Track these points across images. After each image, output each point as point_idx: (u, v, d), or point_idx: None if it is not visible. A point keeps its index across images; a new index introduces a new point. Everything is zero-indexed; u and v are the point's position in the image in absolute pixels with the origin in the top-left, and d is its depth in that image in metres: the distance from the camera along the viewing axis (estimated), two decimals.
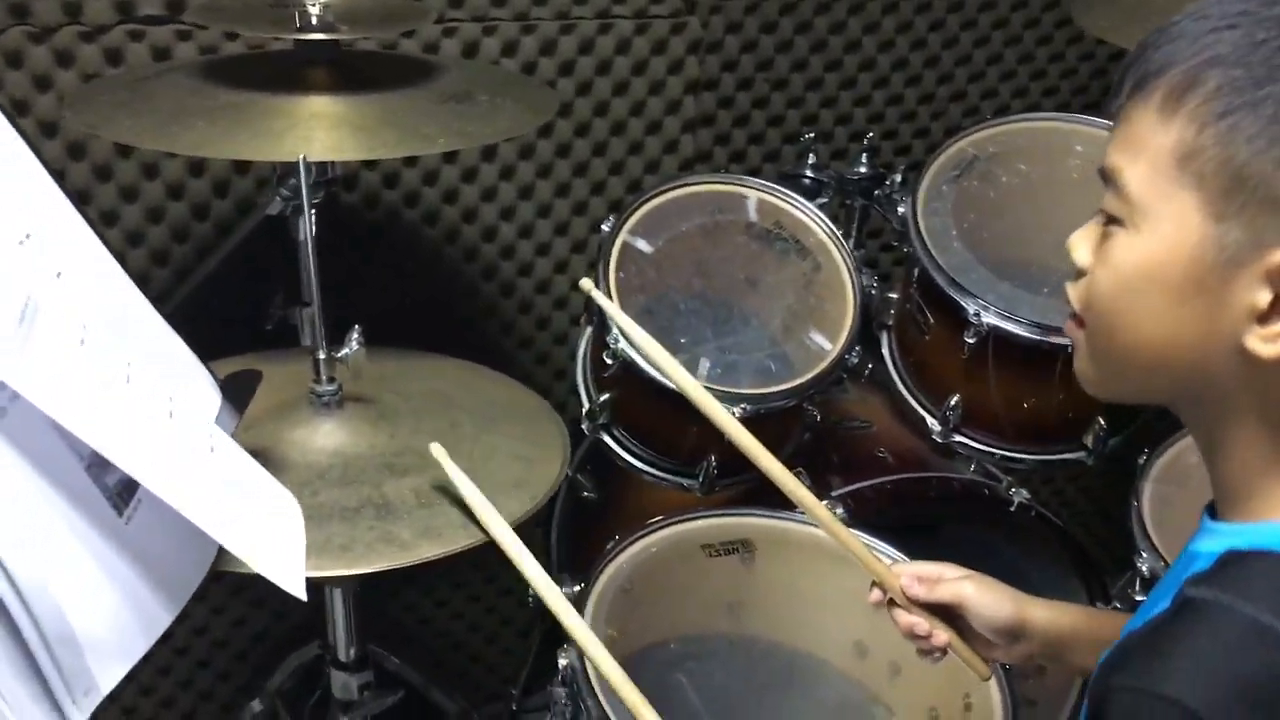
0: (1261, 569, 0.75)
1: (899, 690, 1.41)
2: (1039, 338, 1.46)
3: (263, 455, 1.05)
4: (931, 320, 1.57)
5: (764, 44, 1.88)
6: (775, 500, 1.58)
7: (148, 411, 0.76)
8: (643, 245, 1.55)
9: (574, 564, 1.81)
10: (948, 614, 1.10)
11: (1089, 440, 1.55)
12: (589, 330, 1.62)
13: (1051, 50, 2.06)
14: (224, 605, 1.90)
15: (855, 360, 1.55)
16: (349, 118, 1.22)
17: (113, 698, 0.75)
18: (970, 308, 1.48)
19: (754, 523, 1.45)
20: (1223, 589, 0.74)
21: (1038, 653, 1.09)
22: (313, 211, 1.21)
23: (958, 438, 1.60)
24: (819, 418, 1.60)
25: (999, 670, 1.27)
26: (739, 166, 1.95)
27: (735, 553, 1.43)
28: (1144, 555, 1.40)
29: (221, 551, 0.88)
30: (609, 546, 1.36)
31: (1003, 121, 1.67)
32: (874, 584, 1.13)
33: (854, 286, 1.56)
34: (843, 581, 1.41)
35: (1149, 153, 0.76)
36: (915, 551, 1.39)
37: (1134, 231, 0.77)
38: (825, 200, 1.73)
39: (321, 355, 1.19)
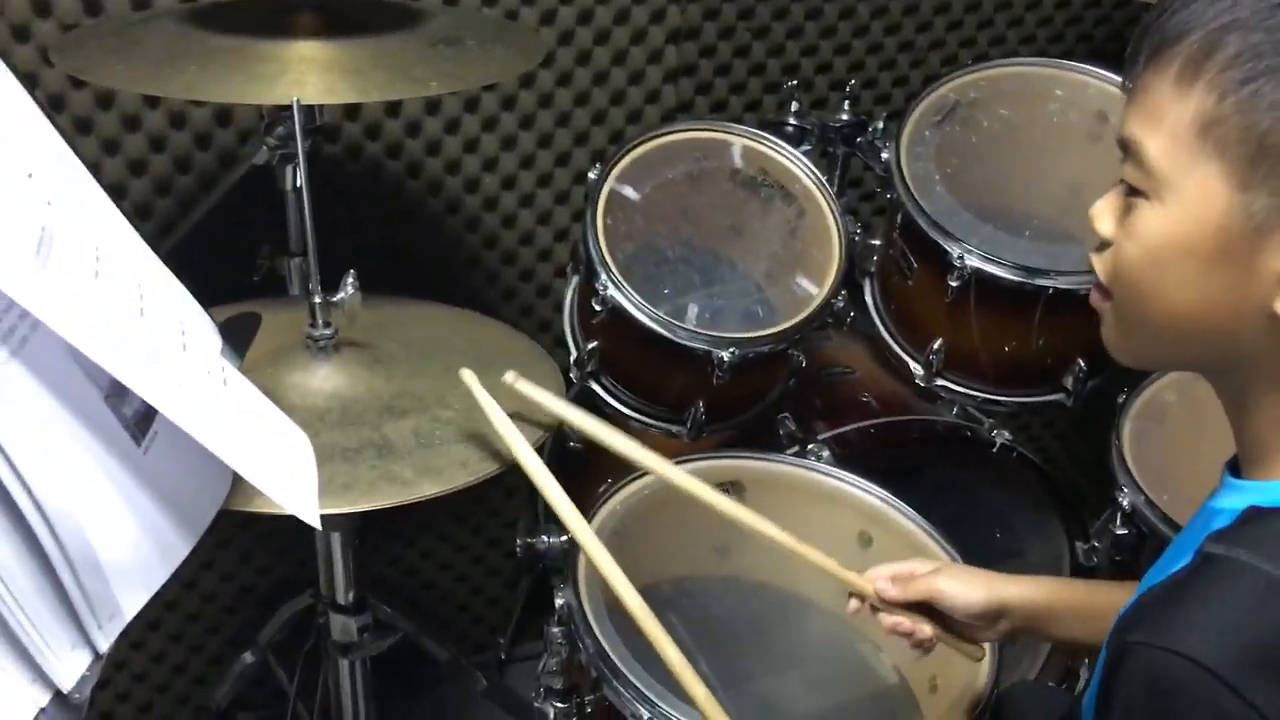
0: None
1: None
2: (1021, 279, 1.48)
3: None
4: (915, 265, 1.59)
5: None
6: (764, 444, 1.62)
7: (163, 343, 0.77)
8: (629, 193, 1.56)
9: None
10: (927, 606, 1.12)
11: (1069, 382, 1.58)
12: (576, 279, 1.63)
13: None
14: (213, 559, 1.91)
15: (841, 305, 1.57)
16: (340, 61, 1.22)
17: None
18: (954, 251, 1.50)
19: (743, 464, 1.47)
20: (1243, 546, 0.74)
21: (1020, 628, 1.11)
22: (305, 157, 1.20)
23: (940, 382, 1.62)
24: (804, 363, 1.62)
25: None
26: (721, 115, 1.96)
27: (725, 494, 1.45)
28: (1124, 490, 1.44)
29: (234, 487, 0.89)
30: (601, 490, 1.38)
31: (984, 67, 1.68)
32: (850, 594, 1.15)
33: (839, 232, 1.58)
34: (830, 521, 1.44)
35: (1169, 123, 0.74)
36: (900, 493, 1.43)
37: (1158, 203, 0.76)
38: (808, 148, 1.75)
39: (318, 299, 1.20)
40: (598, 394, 1.59)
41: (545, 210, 1.92)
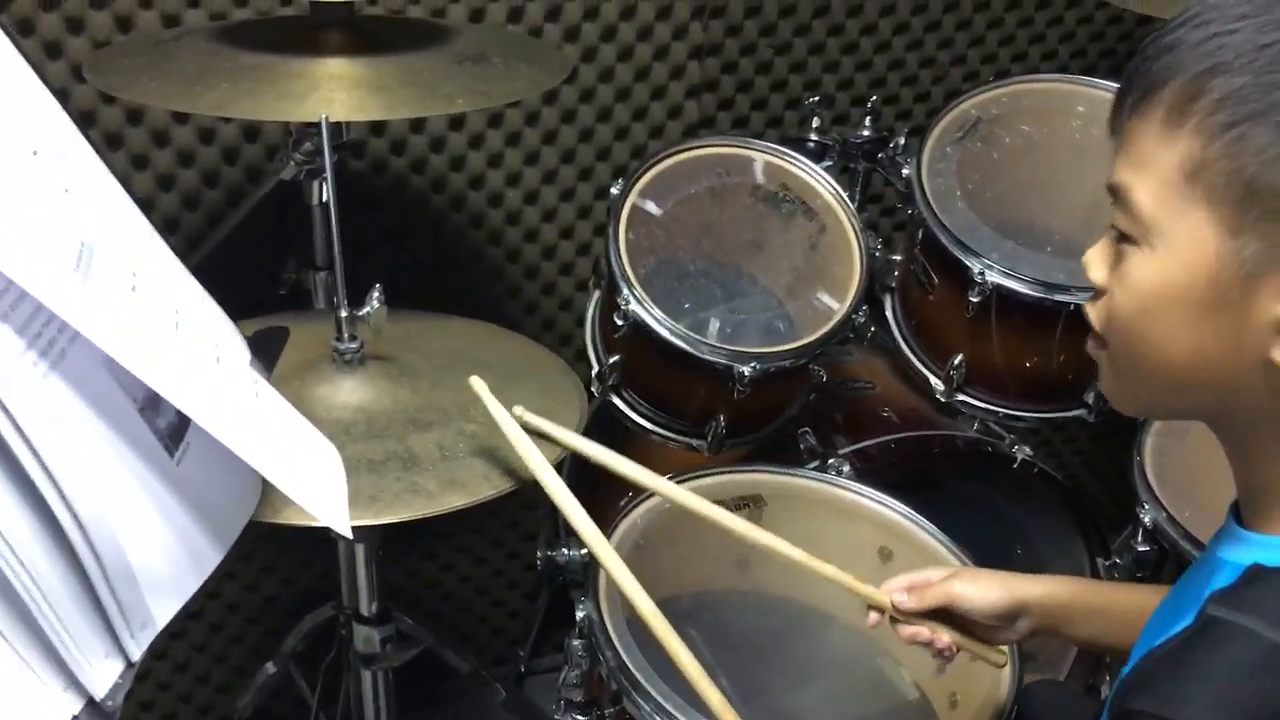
0: None
1: None
2: (1042, 295, 1.48)
3: None
4: (936, 280, 1.59)
5: (768, 8, 1.89)
6: (784, 458, 1.63)
7: (198, 356, 0.78)
8: (651, 207, 1.57)
9: None
10: (946, 613, 1.11)
11: (1090, 397, 1.58)
12: (598, 293, 1.64)
13: (1050, 14, 2.08)
14: (236, 570, 1.93)
15: (862, 320, 1.58)
16: (368, 79, 1.23)
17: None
18: (975, 267, 1.50)
19: (764, 479, 1.48)
20: (1246, 611, 0.72)
21: (1039, 627, 1.11)
22: (332, 172, 1.22)
23: (961, 397, 1.63)
24: (825, 378, 1.62)
25: None
26: (743, 131, 1.97)
27: (746, 508, 1.45)
28: (1146, 506, 1.44)
29: (263, 498, 0.90)
30: (623, 503, 1.38)
31: (1006, 83, 1.69)
32: (869, 608, 1.15)
33: (860, 247, 1.59)
34: (850, 535, 1.45)
35: (1157, 169, 0.73)
36: (921, 508, 1.43)
37: (1149, 250, 0.74)
38: (829, 164, 1.75)
39: (344, 313, 1.21)
40: (619, 408, 1.60)
41: (568, 224, 1.94)
